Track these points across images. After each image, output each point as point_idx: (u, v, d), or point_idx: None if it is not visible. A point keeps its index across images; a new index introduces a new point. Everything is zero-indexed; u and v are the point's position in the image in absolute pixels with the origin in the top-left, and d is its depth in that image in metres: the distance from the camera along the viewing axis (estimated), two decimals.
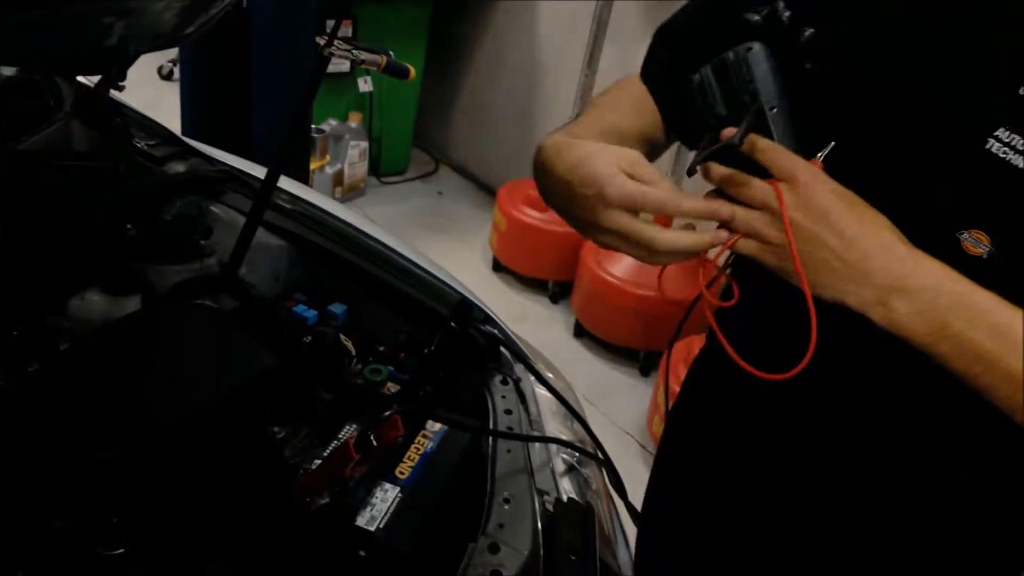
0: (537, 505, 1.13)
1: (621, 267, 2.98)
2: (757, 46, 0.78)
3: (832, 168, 0.78)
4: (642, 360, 3.08)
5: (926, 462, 0.84)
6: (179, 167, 1.48)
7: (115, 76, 1.45)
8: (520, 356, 1.31)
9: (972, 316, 0.70)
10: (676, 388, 2.54)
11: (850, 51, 0.80)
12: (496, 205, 3.56)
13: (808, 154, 0.78)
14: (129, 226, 1.29)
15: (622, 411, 2.88)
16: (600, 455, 1.30)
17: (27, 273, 1.11)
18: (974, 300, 0.70)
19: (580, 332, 3.25)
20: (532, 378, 1.35)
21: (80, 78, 1.56)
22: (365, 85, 3.83)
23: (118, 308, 1.17)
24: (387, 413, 1.01)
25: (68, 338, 1.08)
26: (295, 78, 2.51)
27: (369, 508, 1.04)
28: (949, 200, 0.74)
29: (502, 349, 1.35)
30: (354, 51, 1.14)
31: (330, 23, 3.01)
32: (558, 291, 3.48)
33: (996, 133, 0.69)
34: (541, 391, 1.33)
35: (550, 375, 1.38)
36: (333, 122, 3.83)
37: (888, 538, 0.88)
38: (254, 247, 1.32)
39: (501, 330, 1.38)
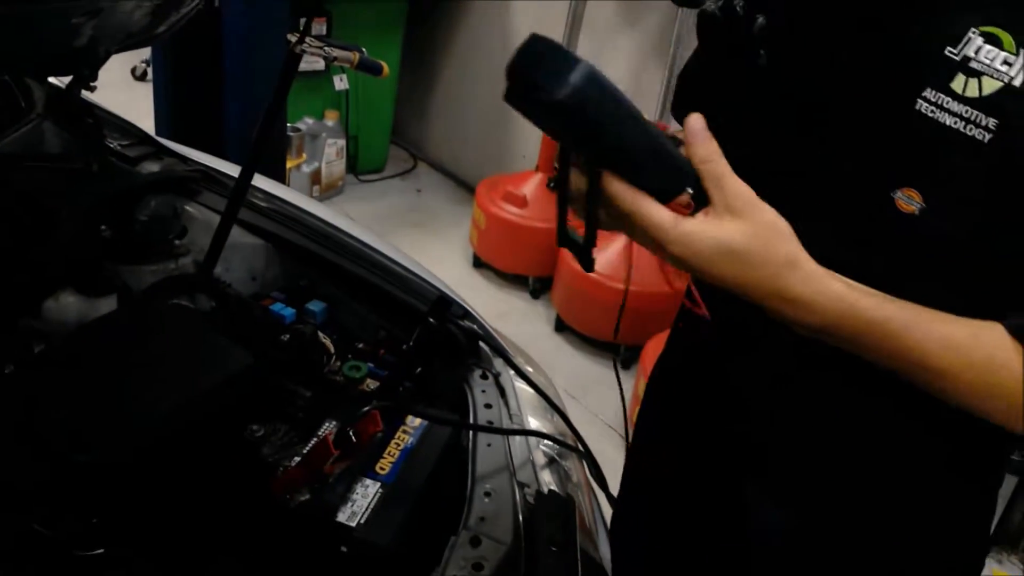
0: (518, 498, 1.14)
1: (600, 262, 2.98)
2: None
3: (769, 146, 0.81)
4: (622, 354, 3.09)
5: (896, 455, 0.85)
6: (153, 167, 1.47)
7: (86, 76, 1.44)
8: (499, 350, 1.31)
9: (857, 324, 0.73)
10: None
11: (793, 28, 0.82)
12: (475, 202, 3.56)
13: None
14: (103, 227, 1.28)
15: (604, 405, 2.89)
16: (580, 447, 1.30)
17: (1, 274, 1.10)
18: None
19: (561, 327, 3.26)
20: (512, 372, 1.35)
21: (51, 79, 1.54)
22: (341, 83, 3.82)
23: (93, 309, 1.16)
24: (366, 408, 1.01)
25: (43, 340, 1.07)
26: (268, 76, 2.49)
27: (350, 504, 1.04)
28: (883, 161, 0.76)
29: (481, 344, 1.35)
30: (326, 48, 1.14)
31: (303, 20, 3.00)
32: (538, 286, 3.48)
33: (924, 93, 0.70)
34: (521, 385, 1.33)
35: (530, 369, 1.38)
36: (309, 120, 3.81)
37: (858, 531, 0.89)
38: (230, 246, 1.31)
39: (480, 325, 1.38)
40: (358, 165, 4.24)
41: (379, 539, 0.99)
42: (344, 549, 1.01)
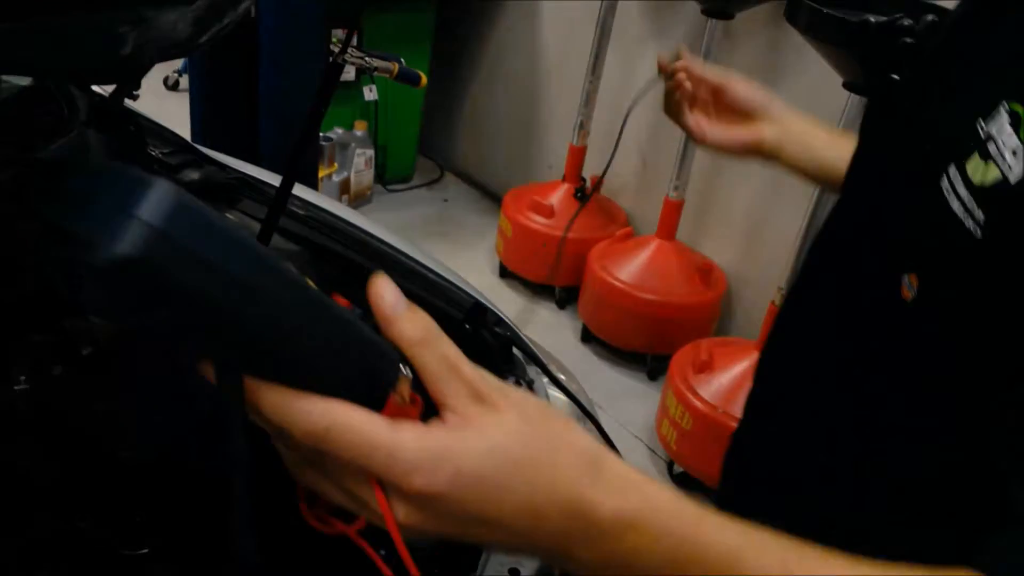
0: None
1: (628, 272, 2.99)
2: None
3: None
4: (649, 365, 3.09)
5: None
6: (194, 175, 1.49)
7: (130, 85, 1.47)
8: (533, 357, 1.32)
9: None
10: (684, 393, 2.54)
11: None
12: (502, 211, 3.58)
13: None
14: None
15: (631, 415, 2.89)
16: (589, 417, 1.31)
17: (44, 276, 1.13)
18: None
19: (587, 337, 3.27)
20: (545, 380, 1.36)
21: (94, 87, 1.57)
22: (371, 94, 3.86)
23: None
24: None
25: (91, 342, 1.09)
26: (302, 86, 2.53)
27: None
28: (902, 237, 0.69)
29: (515, 351, 1.36)
30: (367, 58, 1.16)
31: (336, 32, 3.04)
32: (565, 296, 3.49)
33: (948, 169, 0.62)
34: (555, 393, 1.34)
35: (563, 377, 1.39)
36: (339, 130, 3.85)
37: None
38: None
39: (514, 332, 1.39)
40: (386, 175, 4.28)
41: (418, 542, 1.00)
42: (383, 552, 1.02)
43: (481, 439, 0.46)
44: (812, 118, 1.10)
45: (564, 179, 3.49)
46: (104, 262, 0.36)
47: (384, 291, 0.50)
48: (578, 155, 3.41)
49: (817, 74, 2.58)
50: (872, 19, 0.86)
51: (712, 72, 1.11)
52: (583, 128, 3.36)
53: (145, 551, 0.93)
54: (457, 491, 0.45)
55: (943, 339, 0.64)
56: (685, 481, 2.57)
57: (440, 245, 3.82)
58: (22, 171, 1.24)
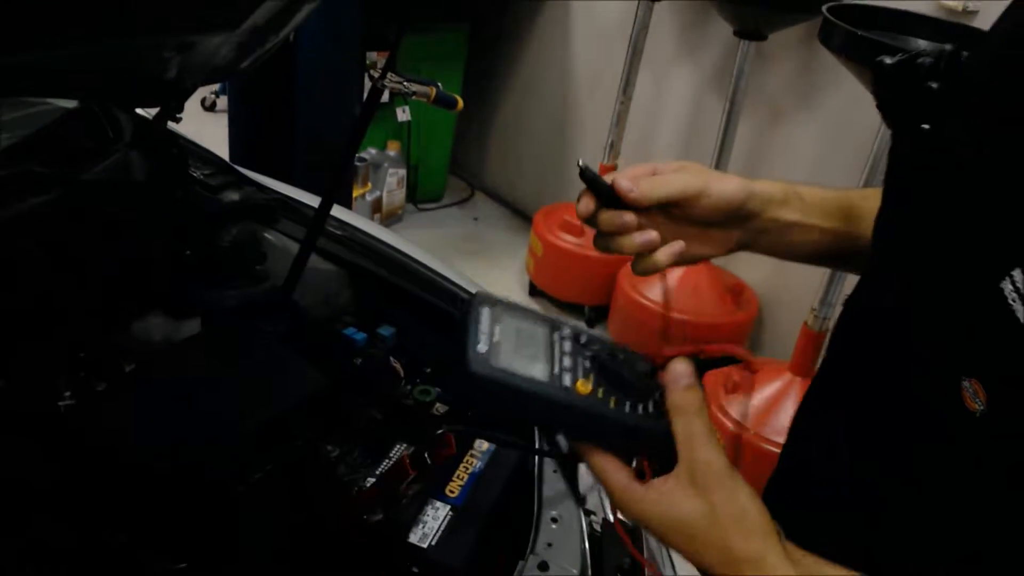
0: (584, 525, 1.15)
1: (657, 291, 2.98)
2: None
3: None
4: None
5: None
6: (233, 195, 1.53)
7: (173, 108, 1.51)
8: None
9: None
10: (716, 415, 2.52)
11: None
12: (532, 230, 3.59)
13: None
14: (187, 251, 1.33)
15: None
16: (648, 478, 1.30)
17: (89, 295, 1.16)
18: None
19: None
20: None
21: (139, 110, 1.62)
22: (403, 115, 3.90)
23: (178, 330, 1.21)
24: (441, 431, 1.03)
25: (133, 359, 1.12)
26: (338, 108, 2.58)
27: (421, 525, 1.06)
28: (959, 337, 0.63)
29: None
30: (405, 83, 1.18)
31: (371, 55, 3.09)
32: (594, 315, 3.49)
33: (1012, 272, 0.56)
34: None
35: None
36: (372, 151, 3.90)
37: None
38: (306, 272, 1.36)
39: None
40: (417, 194, 4.32)
41: (451, 560, 1.01)
42: (416, 570, 1.04)
43: (677, 509, 0.61)
44: (793, 185, 0.87)
45: None
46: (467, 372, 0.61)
47: (679, 366, 0.64)
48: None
49: (851, 94, 2.57)
50: (888, 60, 0.74)
51: (661, 185, 0.78)
52: (613, 148, 3.37)
53: (184, 565, 0.95)
54: (651, 526, 0.63)
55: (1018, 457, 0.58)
56: None
57: (470, 263, 3.84)
58: (68, 191, 1.27)
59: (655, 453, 0.61)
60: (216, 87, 4.89)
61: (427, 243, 3.89)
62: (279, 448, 1.06)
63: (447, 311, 1.45)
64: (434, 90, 1.22)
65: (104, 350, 1.13)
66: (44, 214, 1.23)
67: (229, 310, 1.29)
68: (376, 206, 3.95)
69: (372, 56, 3.14)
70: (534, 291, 3.68)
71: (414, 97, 1.20)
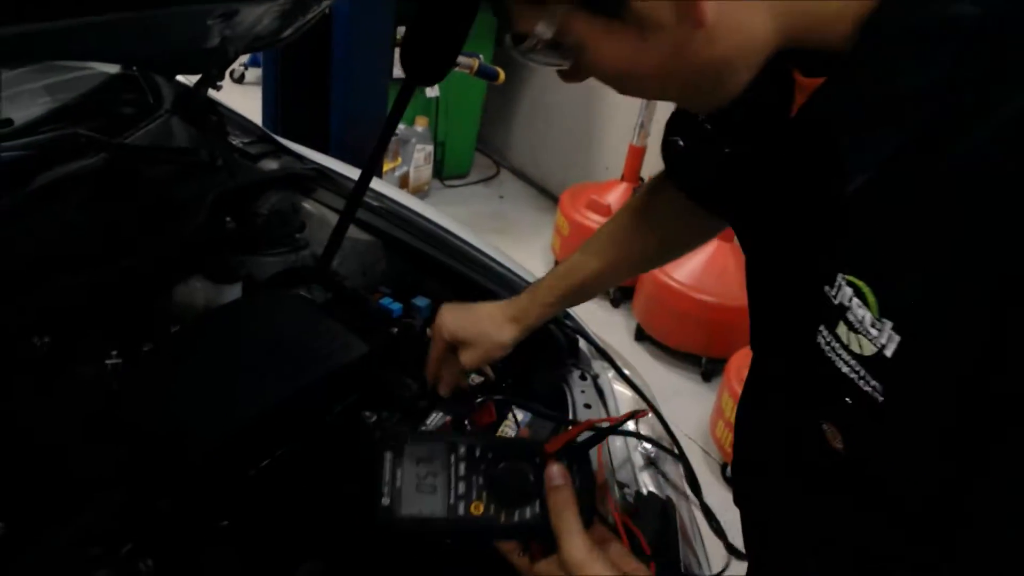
0: (617, 497, 1.16)
1: (684, 272, 2.98)
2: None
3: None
4: (704, 366, 3.07)
5: None
6: (272, 164, 1.54)
7: (214, 76, 1.52)
8: (602, 352, 1.34)
9: None
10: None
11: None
12: (559, 209, 3.59)
13: None
14: (228, 219, 1.34)
15: (684, 416, 2.88)
16: (677, 451, 1.31)
17: (135, 259, 1.17)
18: None
19: (641, 336, 3.26)
20: (610, 375, 1.37)
21: (179, 77, 1.63)
22: (432, 91, 3.90)
23: (220, 295, 1.23)
24: (481, 399, 1.04)
25: (176, 321, 1.14)
26: (371, 81, 2.59)
27: None
28: (806, 383, 0.68)
29: (581, 346, 1.38)
30: None
31: (401, 29, 3.09)
32: (619, 295, 3.49)
33: (820, 329, 0.60)
34: (620, 388, 1.35)
35: (627, 372, 1.40)
36: (401, 126, 3.90)
37: None
38: (343, 242, 1.37)
39: (581, 328, 1.40)
40: (443, 170, 4.32)
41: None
42: (449, 541, 1.05)
43: None
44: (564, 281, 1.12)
45: (623, 178, 3.48)
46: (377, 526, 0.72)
47: (551, 469, 0.73)
48: (638, 155, 3.41)
49: None
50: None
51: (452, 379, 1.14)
52: (643, 128, 3.36)
53: (226, 523, 0.97)
54: None
55: (878, 487, 0.65)
56: None
57: (495, 241, 3.78)
58: (113, 155, 1.29)
59: (541, 539, 0.71)
60: (245, 59, 4.91)
61: (453, 220, 3.91)
62: (320, 413, 1.08)
63: (480, 283, 1.45)
64: (477, 62, 1.22)
65: (150, 311, 1.14)
66: (89, 177, 1.25)
67: (269, 277, 1.30)
68: (403, 181, 3.96)
69: (403, 31, 3.14)
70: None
71: (457, 69, 1.21)
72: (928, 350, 0.54)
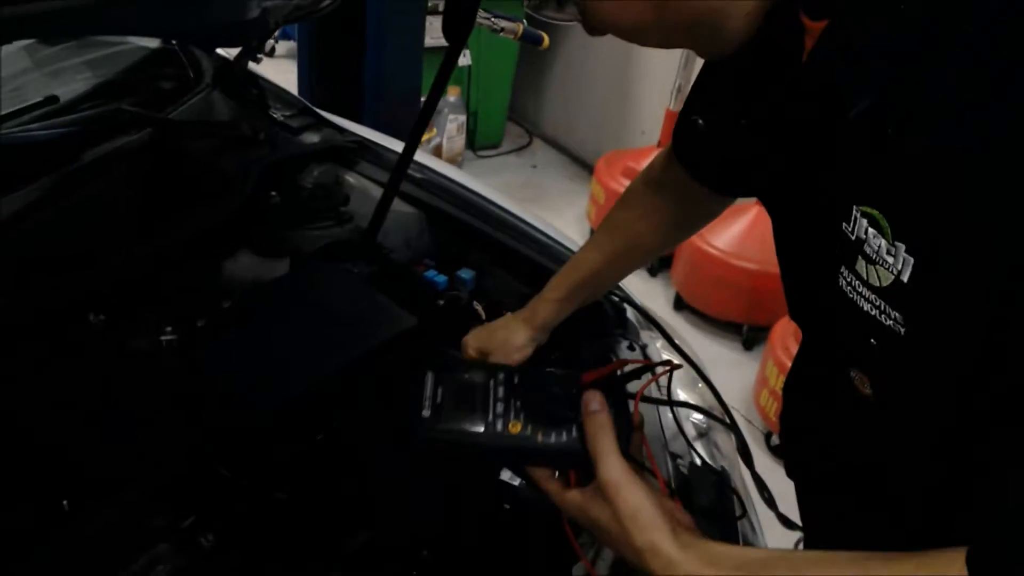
0: (671, 468, 1.15)
1: (724, 239, 2.94)
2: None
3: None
4: (745, 335, 3.04)
5: None
6: (314, 137, 1.53)
7: (255, 48, 1.51)
8: (652, 320, 1.32)
9: None
10: (785, 362, 2.50)
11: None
12: (594, 177, 3.55)
13: None
14: (273, 192, 1.34)
15: (726, 386, 2.83)
16: (729, 421, 1.30)
17: (184, 234, 1.18)
18: None
19: (680, 305, 3.23)
20: (658, 344, 1.36)
21: (219, 50, 1.62)
22: (464, 59, 3.86)
23: (268, 270, 1.23)
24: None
25: (227, 297, 1.14)
26: (405, 50, 2.56)
27: None
28: (834, 332, 0.70)
29: (629, 316, 1.36)
30: (493, 19, 1.16)
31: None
32: (657, 264, 3.45)
33: (841, 271, 0.63)
34: (668, 357, 1.34)
35: (676, 340, 1.38)
36: None
37: None
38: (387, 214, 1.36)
39: (628, 295, 1.39)
40: (476, 140, 4.29)
41: (541, 499, 1.02)
42: (508, 506, 1.05)
43: (593, 516, 0.72)
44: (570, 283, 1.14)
45: (659, 144, 3.44)
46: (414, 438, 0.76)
47: (588, 395, 0.75)
48: (673, 118, 3.35)
49: None
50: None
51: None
52: (680, 92, 3.30)
53: (285, 496, 0.97)
54: (584, 526, 0.74)
55: (913, 424, 0.68)
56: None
57: (529, 211, 3.81)
58: (158, 130, 1.28)
59: (578, 466, 0.73)
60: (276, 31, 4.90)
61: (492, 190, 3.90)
62: (372, 384, 1.08)
63: (523, 252, 1.44)
64: (521, 26, 1.19)
65: (200, 287, 1.15)
66: (136, 153, 1.25)
67: (315, 251, 1.30)
68: (436, 152, 3.94)
69: None
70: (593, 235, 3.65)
71: (502, 33, 1.18)
72: (941, 271, 0.55)
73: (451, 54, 1.11)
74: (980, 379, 0.56)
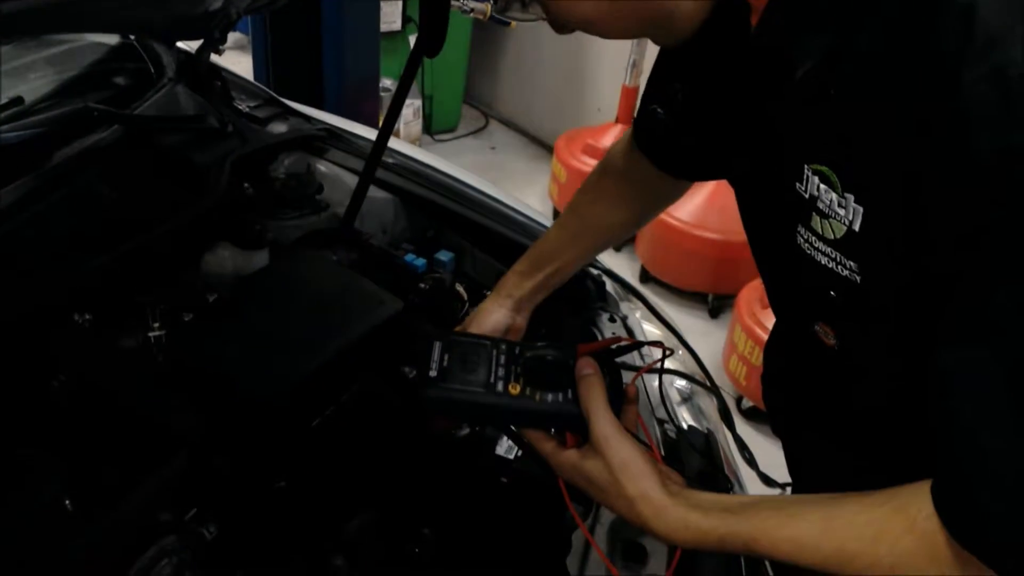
0: (658, 433, 1.18)
1: (686, 211, 2.98)
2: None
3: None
4: (711, 304, 3.10)
5: None
6: (281, 127, 1.52)
7: (216, 40, 1.50)
8: (632, 290, 1.35)
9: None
10: (752, 328, 2.54)
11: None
12: (554, 156, 3.57)
13: None
14: (246, 184, 1.33)
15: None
16: (709, 384, 1.33)
17: (163, 229, 1.17)
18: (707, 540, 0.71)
19: (646, 278, 3.27)
20: (637, 315, 1.38)
21: (180, 44, 1.60)
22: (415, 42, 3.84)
23: (248, 262, 1.22)
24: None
25: (212, 290, 1.14)
26: (362, 37, 2.55)
27: (504, 440, 1.09)
28: (798, 290, 0.76)
29: (608, 288, 1.39)
30: (464, 1, 1.17)
31: None
32: None
33: (798, 229, 0.67)
34: (649, 327, 1.36)
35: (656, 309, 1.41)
36: (387, 81, 3.84)
37: None
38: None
39: (607, 268, 1.41)
40: (432, 125, 4.28)
41: (537, 471, 1.04)
42: (504, 480, 1.07)
43: (587, 470, 0.77)
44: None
45: (617, 120, 3.46)
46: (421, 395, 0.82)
47: (582, 362, 0.81)
48: (632, 95, 3.38)
49: None
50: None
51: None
52: (635, 67, 3.32)
53: (283, 484, 0.98)
54: (575, 483, 0.79)
55: (876, 371, 0.73)
56: (754, 415, 2.60)
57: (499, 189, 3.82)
58: (127, 127, 1.27)
59: (574, 427, 0.78)
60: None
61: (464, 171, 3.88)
62: (362, 370, 1.09)
63: (500, 232, 1.45)
64: (489, 7, 1.20)
65: (183, 281, 1.14)
66: (107, 151, 1.24)
67: (294, 241, 1.30)
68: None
69: None
70: (558, 217, 3.67)
71: (472, 14, 1.19)
72: (888, 216, 0.60)
73: (418, 52, 1.11)
74: (930, 319, 0.59)
